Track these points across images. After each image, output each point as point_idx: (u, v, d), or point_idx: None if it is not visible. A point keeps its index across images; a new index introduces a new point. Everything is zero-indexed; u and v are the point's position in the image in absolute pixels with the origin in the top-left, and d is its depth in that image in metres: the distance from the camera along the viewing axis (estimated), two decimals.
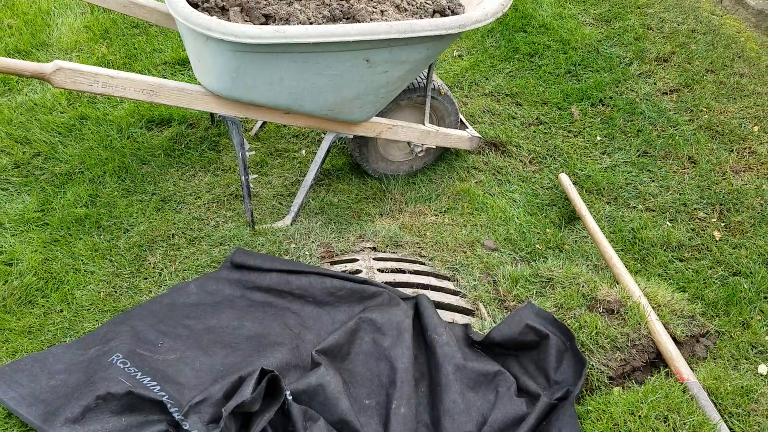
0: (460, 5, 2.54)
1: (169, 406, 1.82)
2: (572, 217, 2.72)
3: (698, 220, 2.69)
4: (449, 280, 2.47)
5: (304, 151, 2.99)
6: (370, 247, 2.60)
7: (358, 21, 2.27)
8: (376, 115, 2.62)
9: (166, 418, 1.82)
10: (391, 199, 2.81)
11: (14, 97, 3.02)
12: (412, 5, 2.45)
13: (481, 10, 2.31)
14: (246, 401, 1.77)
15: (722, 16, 3.90)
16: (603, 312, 2.22)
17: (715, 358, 2.15)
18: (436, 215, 2.74)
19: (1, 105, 2.97)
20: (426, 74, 2.68)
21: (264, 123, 3.07)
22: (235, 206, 2.67)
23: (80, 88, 2.06)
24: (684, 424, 1.81)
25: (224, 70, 2.13)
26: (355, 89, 2.33)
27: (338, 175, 2.91)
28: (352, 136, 2.65)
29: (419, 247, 2.58)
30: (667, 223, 2.69)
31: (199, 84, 2.28)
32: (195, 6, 2.28)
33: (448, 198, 2.82)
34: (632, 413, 1.86)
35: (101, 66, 3.00)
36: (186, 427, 1.79)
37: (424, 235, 2.59)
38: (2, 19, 3.43)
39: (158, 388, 1.87)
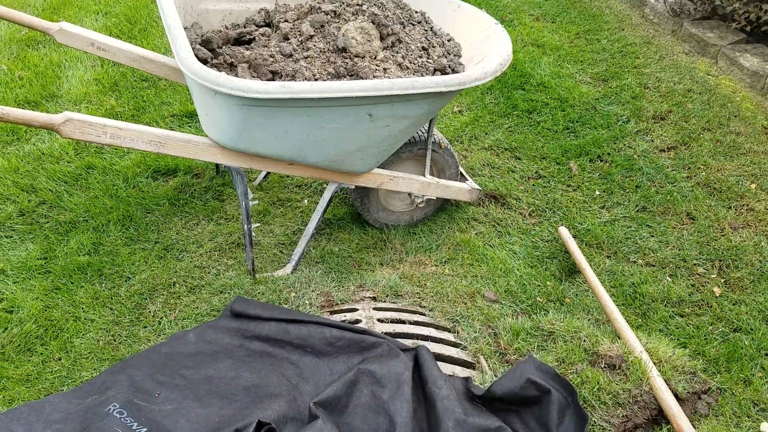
0: (461, 64, 2.62)
1: None
2: (573, 270, 2.73)
3: (698, 276, 2.70)
4: (450, 331, 2.47)
5: (306, 201, 3.02)
6: (370, 297, 2.60)
7: (362, 78, 2.34)
8: (378, 167, 2.67)
9: None
10: (392, 248, 2.83)
11: (22, 146, 3.07)
12: (414, 64, 2.52)
13: (480, 68, 2.38)
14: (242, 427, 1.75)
15: (717, 76, 4.00)
16: (605, 367, 2.21)
17: (717, 416, 2.12)
18: (436, 266, 2.75)
19: (9, 154, 3.02)
20: (427, 128, 2.74)
21: (268, 173, 3.12)
22: (237, 254, 2.68)
23: (89, 139, 2.10)
24: None
25: (231, 122, 2.18)
26: (357, 142, 2.38)
27: (339, 224, 2.93)
28: (354, 187, 2.69)
29: (419, 298, 2.58)
30: (667, 278, 2.69)
31: (206, 135, 2.33)
32: (204, 62, 2.35)
33: (449, 249, 2.84)
34: None
35: (110, 117, 3.07)
36: None
37: (425, 285, 2.60)
38: (14, 71, 3.52)
39: None
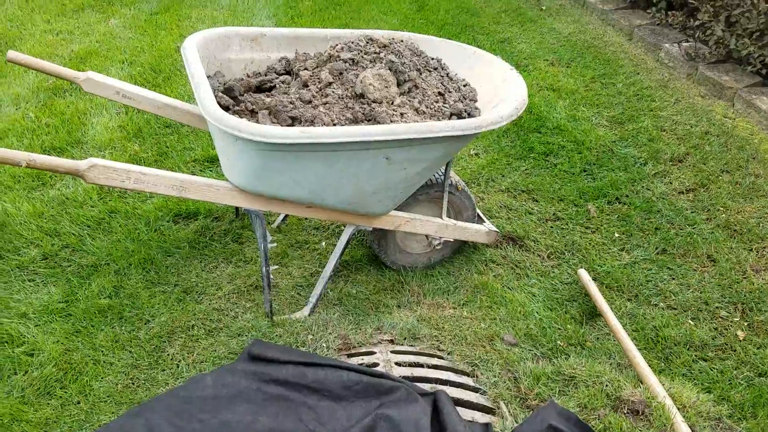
0: (476, 108, 2.65)
1: None
2: (593, 313, 2.70)
3: (721, 319, 2.66)
4: (469, 375, 2.44)
5: (324, 243, 3.04)
6: (388, 340, 2.58)
7: (379, 123, 2.38)
8: (395, 209, 2.69)
9: None
10: (409, 291, 2.82)
11: (47, 192, 3.14)
12: (430, 108, 2.56)
13: (496, 112, 2.41)
14: None
15: (734, 119, 4.00)
16: (628, 413, 2.17)
17: None
18: (454, 308, 2.74)
19: (35, 199, 3.09)
20: (444, 170, 2.77)
21: (286, 216, 3.15)
22: (255, 297, 2.69)
23: (112, 184, 2.15)
24: None
25: (251, 167, 2.22)
26: (375, 185, 2.40)
27: (357, 266, 2.94)
28: (371, 229, 2.71)
29: (437, 341, 2.57)
30: (689, 321, 2.66)
31: (226, 180, 2.37)
32: (226, 109, 2.41)
33: (467, 291, 2.83)
34: None
35: (134, 163, 3.14)
36: None
37: (443, 328, 2.59)
38: (41, 118, 3.63)
39: None
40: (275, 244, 2.97)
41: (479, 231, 2.95)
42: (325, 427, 2.17)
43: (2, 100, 3.76)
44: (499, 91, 2.67)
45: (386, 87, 2.49)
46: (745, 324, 2.63)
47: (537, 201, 3.37)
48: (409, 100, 2.54)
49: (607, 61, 4.78)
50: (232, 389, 2.26)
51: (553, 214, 3.28)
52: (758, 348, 2.50)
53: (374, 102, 2.46)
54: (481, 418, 2.26)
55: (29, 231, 2.89)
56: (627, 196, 3.37)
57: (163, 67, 4.30)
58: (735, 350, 2.51)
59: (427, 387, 2.30)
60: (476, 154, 3.76)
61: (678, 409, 2.15)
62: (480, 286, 2.85)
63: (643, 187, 3.42)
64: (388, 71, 2.52)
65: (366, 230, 2.76)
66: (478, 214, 3.10)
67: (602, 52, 4.94)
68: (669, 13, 4.90)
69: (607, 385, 2.24)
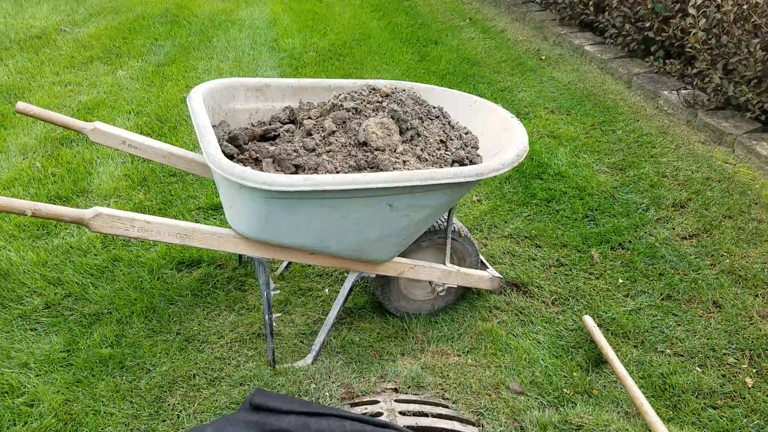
0: (478, 155, 2.68)
1: None
2: (599, 361, 2.67)
3: (729, 366, 2.63)
4: (474, 425, 2.40)
5: (327, 290, 3.03)
6: (392, 389, 2.55)
7: (382, 170, 2.40)
8: (399, 255, 2.69)
9: None
10: (413, 338, 2.80)
11: (51, 240, 3.16)
12: (433, 156, 2.59)
13: (498, 160, 2.44)
14: None
15: (735, 164, 4.03)
16: None
17: None
18: (459, 355, 2.71)
19: (39, 248, 3.10)
20: (446, 217, 2.78)
21: (289, 263, 3.15)
22: (257, 345, 2.67)
23: (117, 233, 2.17)
24: None
25: (255, 214, 2.23)
26: (378, 231, 2.41)
27: (360, 313, 2.93)
28: (374, 276, 2.70)
29: (442, 389, 2.53)
30: (697, 368, 2.62)
31: (230, 227, 2.38)
32: (230, 157, 2.44)
33: (471, 338, 2.81)
34: None
35: (138, 211, 3.16)
36: None
37: (447, 376, 2.55)
38: (47, 167, 3.67)
39: None
40: (278, 291, 2.96)
41: (483, 277, 2.94)
42: None
43: (10, 150, 3.82)
44: (500, 138, 2.70)
45: (389, 135, 2.52)
46: (754, 371, 2.59)
47: (540, 247, 3.37)
48: (412, 148, 2.57)
49: (607, 109, 4.84)
50: None
51: (557, 260, 3.27)
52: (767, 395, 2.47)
53: (377, 150, 2.49)
54: None
55: (33, 280, 2.89)
56: (630, 241, 3.36)
57: (168, 117, 4.37)
58: (744, 398, 2.47)
59: None
60: (479, 200, 3.78)
61: None
62: (484, 332, 2.82)
63: (645, 232, 3.43)
64: (391, 120, 2.56)
65: (369, 277, 2.76)
66: (482, 260, 3.09)
67: (602, 100, 5.01)
68: (667, 61, 4.98)
69: None
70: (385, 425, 2.25)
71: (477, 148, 2.75)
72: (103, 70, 5.01)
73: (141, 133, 4.09)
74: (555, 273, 3.19)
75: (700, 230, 3.41)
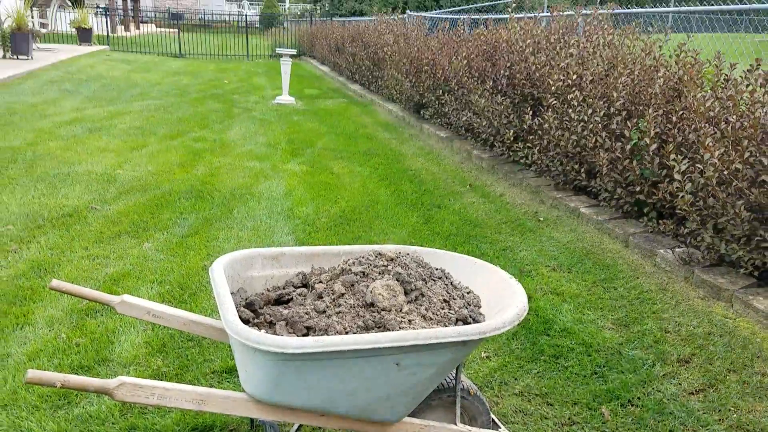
0: (481, 314, 2.83)
1: None
2: None
3: None
4: None
5: None
6: None
7: (389, 329, 2.55)
8: (408, 416, 2.74)
9: None
10: None
11: (72, 410, 3.24)
12: (437, 315, 2.75)
13: (499, 318, 2.59)
14: None
15: (735, 318, 4.13)
16: None
17: None
18: None
19: (59, 417, 3.18)
20: (455, 374, 2.87)
21: (300, 427, 3.19)
22: None
23: (138, 401, 2.29)
24: None
25: (268, 376, 2.36)
26: (386, 390, 2.51)
27: None
28: None
29: None
30: None
31: (243, 391, 2.49)
32: (246, 322, 2.61)
33: None
34: None
35: (156, 378, 3.28)
36: None
37: None
38: (72, 338, 3.84)
39: None
40: None
41: None
42: None
43: (37, 323, 4.01)
44: (501, 298, 2.87)
45: (394, 296, 2.71)
46: None
47: (551, 405, 3.40)
48: (416, 308, 2.74)
49: (607, 267, 5.04)
50: None
51: (569, 419, 3.29)
52: None
53: (383, 310, 2.65)
54: None
55: None
56: (638, 398, 3.39)
57: (189, 284, 4.60)
58: None
59: None
60: (487, 357, 3.86)
61: None
62: None
63: (653, 388, 3.46)
64: (396, 282, 2.75)
65: None
66: (493, 419, 3.12)
67: (601, 258, 5.22)
68: (660, 221, 5.26)
69: None
70: None
71: (479, 307, 2.91)
72: (130, 244, 5.34)
73: (163, 301, 4.30)
74: (567, 431, 3.19)
75: (706, 385, 3.45)
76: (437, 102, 10.20)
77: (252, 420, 3.19)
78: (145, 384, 2.28)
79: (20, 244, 5.19)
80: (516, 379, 3.63)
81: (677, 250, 4.88)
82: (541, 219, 6.35)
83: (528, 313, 4.31)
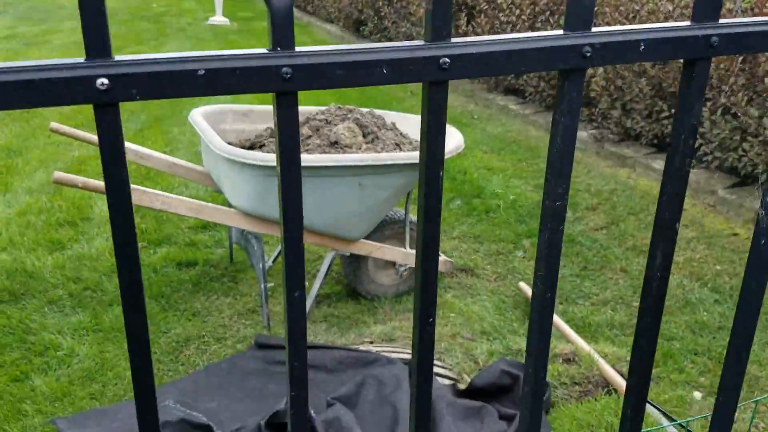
0: None
1: (215, 428, 2.22)
2: None
3: (634, 307, 3.30)
4: (436, 361, 2.97)
5: (307, 283, 3.60)
6: (368, 341, 3.10)
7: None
8: (367, 239, 3.31)
9: None
10: (382, 311, 3.37)
11: (65, 252, 3.66)
12: (390, 144, 3.29)
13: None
14: (280, 411, 2.20)
15: (636, 179, 4.88)
16: (562, 362, 2.73)
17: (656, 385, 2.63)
18: None
19: (55, 257, 3.59)
20: (405, 210, 3.44)
21: (277, 255, 3.71)
22: (253, 318, 3.20)
23: (146, 205, 2.75)
24: None
25: (254, 190, 2.85)
26: (350, 208, 3.04)
27: (337, 297, 3.49)
28: (348, 254, 3.30)
29: (409, 341, 3.10)
30: (609, 311, 3.28)
31: (232, 207, 2.98)
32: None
33: None
34: (589, 412, 2.31)
35: (138, 234, 3.72)
36: None
37: (412, 333, 3.13)
38: (55, 200, 4.20)
39: (205, 418, 2.28)
40: (272, 284, 3.51)
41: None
42: (323, 390, 2.64)
43: (18, 191, 4.34)
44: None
45: (354, 136, 3.22)
46: None
47: (482, 243, 4.05)
48: (373, 147, 3.26)
49: (531, 149, 5.70)
50: (244, 369, 2.73)
51: (496, 251, 3.95)
52: (665, 323, 3.13)
53: (346, 146, 3.17)
54: (448, 383, 2.78)
55: (55, 278, 3.37)
56: None
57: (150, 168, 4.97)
58: None
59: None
60: None
61: (600, 356, 2.73)
62: (441, 304, 3.42)
63: (566, 229, 4.15)
64: (355, 125, 3.26)
65: (344, 267, 3.35)
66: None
67: (526, 143, 5.88)
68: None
69: None
70: (366, 352, 2.80)
71: None
72: (66, 150, 5.62)
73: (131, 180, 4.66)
74: (495, 259, 3.85)
75: (609, 223, 4.17)
76: (376, 16, 10.53)
77: (231, 255, 3.70)
78: (151, 192, 2.74)
79: None
80: (453, 228, 4.25)
81: (591, 131, 5.57)
82: (475, 117, 6.94)
83: (463, 182, 4.93)
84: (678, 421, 2.38)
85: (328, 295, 3.50)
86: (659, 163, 4.84)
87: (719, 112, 4.16)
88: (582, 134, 5.63)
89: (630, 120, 5.13)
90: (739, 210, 4.10)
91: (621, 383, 2.53)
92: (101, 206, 4.25)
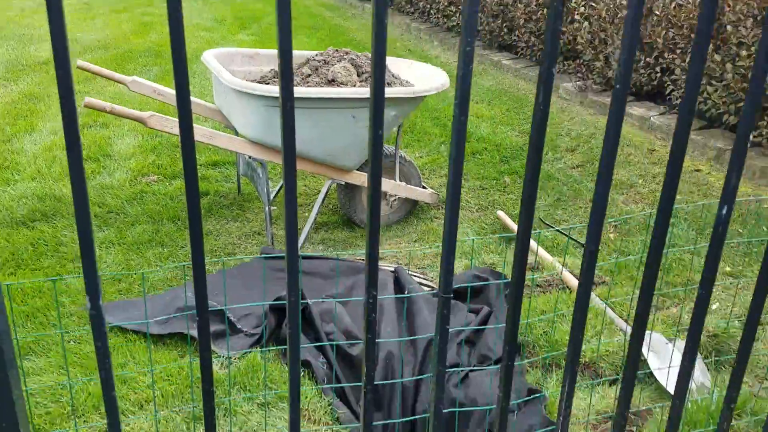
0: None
1: (228, 313, 2.64)
2: (510, 239, 3.70)
3: (602, 232, 3.69)
4: (421, 275, 3.38)
5: (307, 214, 4.00)
6: (360, 259, 3.51)
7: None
8: (361, 170, 3.69)
9: (227, 322, 2.63)
10: None
11: (90, 182, 4.06)
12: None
13: (428, 84, 3.52)
14: (282, 295, 2.61)
15: None
16: (528, 270, 3.14)
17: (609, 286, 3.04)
18: (408, 243, 3.70)
19: None
20: (395, 144, 3.81)
21: (279, 190, 4.11)
22: (259, 239, 3.61)
23: (166, 130, 3.13)
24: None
25: (260, 120, 3.23)
26: (346, 139, 3.42)
27: (333, 225, 3.89)
28: (344, 183, 3.69)
29: (397, 259, 3.51)
30: (576, 234, 3.68)
31: (241, 137, 3.37)
32: None
33: (418, 234, 3.80)
34: (545, 303, 2.73)
35: (154, 169, 4.10)
36: (239, 326, 2.61)
37: (400, 252, 3.54)
38: None
39: (219, 306, 2.70)
40: (275, 208, 3.91)
41: (424, 192, 3.96)
42: (319, 294, 3.05)
43: (42, 131, 4.74)
44: (431, 81, 3.79)
45: (350, 75, 3.58)
46: (617, 233, 3.66)
47: (467, 180, 4.43)
48: (367, 85, 3.62)
49: (519, 99, 6.04)
50: (251, 273, 3.15)
51: (479, 186, 4.33)
52: (623, 242, 3.53)
53: (342, 84, 3.54)
54: (428, 289, 3.19)
55: None
56: None
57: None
58: (608, 245, 3.52)
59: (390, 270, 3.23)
60: (420, 157, 4.84)
61: (560, 264, 3.13)
62: (427, 230, 3.82)
63: (544, 166, 4.53)
64: (351, 65, 3.62)
65: (339, 200, 3.75)
66: (423, 185, 4.11)
67: (515, 95, 6.22)
68: (565, 62, 6.26)
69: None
70: (355, 261, 3.21)
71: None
72: (105, 83, 5.99)
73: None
74: (478, 193, 4.24)
75: (584, 162, 4.55)
76: None
77: (239, 187, 4.09)
78: (170, 119, 3.13)
79: (8, 82, 5.77)
80: (442, 168, 4.63)
81: (577, 82, 5.91)
82: None
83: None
84: (607, 301, 2.79)
85: (326, 223, 3.90)
86: (636, 110, 5.18)
87: (688, 58, 4.49)
88: (567, 85, 5.97)
89: (611, 70, 5.45)
90: (704, 149, 4.46)
91: (575, 283, 2.93)
92: (120, 144, 4.64)
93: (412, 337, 2.68)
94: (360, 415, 1.44)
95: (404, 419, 2.38)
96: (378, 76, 1.00)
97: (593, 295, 2.90)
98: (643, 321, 1.53)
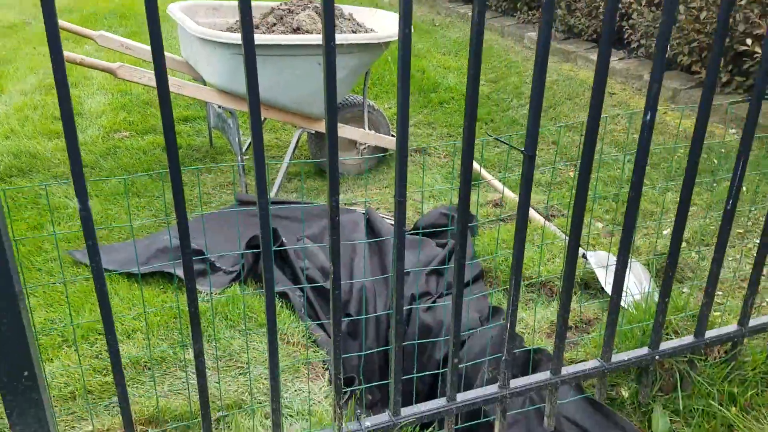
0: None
1: (206, 253, 2.76)
2: (476, 180, 3.84)
3: (559, 170, 3.85)
4: (389, 215, 3.52)
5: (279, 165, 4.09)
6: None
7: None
8: None
9: (205, 261, 2.75)
10: (346, 185, 3.89)
11: (63, 139, 4.10)
12: (347, 30, 3.72)
13: (389, 31, 3.61)
14: (257, 234, 2.73)
15: (577, 71, 5.36)
16: (492, 206, 3.29)
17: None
18: (379, 189, 3.83)
19: (54, 142, 4.04)
20: (363, 94, 3.90)
21: (249, 145, 4.19)
22: (232, 188, 3.71)
23: (135, 80, 3.19)
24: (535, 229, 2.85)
25: (226, 68, 3.30)
26: (311, 86, 3.50)
27: (307, 175, 4.00)
28: (314, 132, 3.79)
29: (369, 204, 3.63)
30: (538, 174, 3.83)
31: (209, 86, 3.44)
32: None
33: (388, 180, 3.92)
34: (505, 233, 2.89)
35: (124, 125, 4.15)
36: (218, 265, 2.73)
37: (372, 198, 3.67)
38: (47, 99, 4.61)
39: (197, 247, 2.81)
40: (248, 157, 4.00)
41: (392, 141, 4.07)
42: (294, 235, 3.18)
43: (12, 93, 4.74)
44: (394, 29, 3.86)
45: (315, 23, 3.65)
46: (574, 167, 3.82)
47: (435, 128, 4.55)
48: None
49: (486, 50, 6.13)
50: (226, 218, 3.26)
51: (447, 134, 4.46)
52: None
53: (307, 32, 3.61)
54: None
55: (56, 158, 3.83)
56: (499, 119, 4.59)
57: None
58: (567, 183, 3.69)
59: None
60: (389, 108, 4.94)
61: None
62: None
63: (509, 114, 4.67)
64: (315, 13, 3.69)
65: (310, 145, 3.84)
66: (392, 133, 4.22)
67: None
68: (530, 12, 6.35)
69: (480, 199, 3.36)
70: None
71: None
72: (71, 46, 5.94)
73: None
74: (445, 140, 4.36)
75: (547, 107, 4.69)
76: None
77: (210, 139, 4.17)
78: (139, 70, 3.19)
79: None
80: (411, 117, 4.74)
81: None
82: (437, 24, 7.32)
83: (422, 79, 5.38)
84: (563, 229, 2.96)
85: (298, 173, 4.00)
86: (596, 55, 5.32)
87: (643, 2, 4.62)
88: (532, 35, 6.07)
89: (573, 18, 5.57)
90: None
91: (536, 217, 3.10)
92: (90, 102, 4.66)
93: (383, 276, 2.83)
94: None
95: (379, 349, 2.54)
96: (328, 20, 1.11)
97: (553, 225, 3.07)
98: (579, 219, 1.70)
